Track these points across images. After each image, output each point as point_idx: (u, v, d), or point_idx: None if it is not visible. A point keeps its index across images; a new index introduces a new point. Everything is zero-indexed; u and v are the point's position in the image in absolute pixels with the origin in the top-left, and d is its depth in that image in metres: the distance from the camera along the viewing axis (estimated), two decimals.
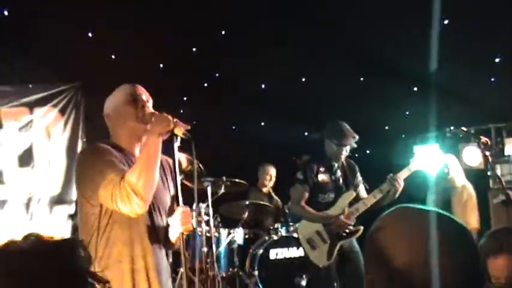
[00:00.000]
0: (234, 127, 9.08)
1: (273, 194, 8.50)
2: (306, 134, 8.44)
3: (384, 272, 1.32)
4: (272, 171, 8.45)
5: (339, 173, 5.90)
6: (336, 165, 5.89)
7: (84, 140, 7.95)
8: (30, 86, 7.55)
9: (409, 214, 1.41)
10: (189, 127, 3.19)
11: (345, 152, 5.78)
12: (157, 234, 3.22)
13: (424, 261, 1.28)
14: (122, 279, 3.01)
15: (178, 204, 3.27)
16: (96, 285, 1.25)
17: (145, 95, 3.31)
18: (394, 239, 1.35)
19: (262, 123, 8.96)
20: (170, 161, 3.37)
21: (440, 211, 1.39)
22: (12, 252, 1.21)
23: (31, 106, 7.57)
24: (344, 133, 5.72)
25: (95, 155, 3.14)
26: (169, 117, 3.14)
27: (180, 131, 3.17)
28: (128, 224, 3.08)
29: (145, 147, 3.11)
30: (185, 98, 8.50)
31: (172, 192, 3.40)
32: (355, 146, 5.80)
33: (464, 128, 5.55)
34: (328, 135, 5.83)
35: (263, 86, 8.59)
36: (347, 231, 5.70)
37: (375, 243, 1.38)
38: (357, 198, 5.84)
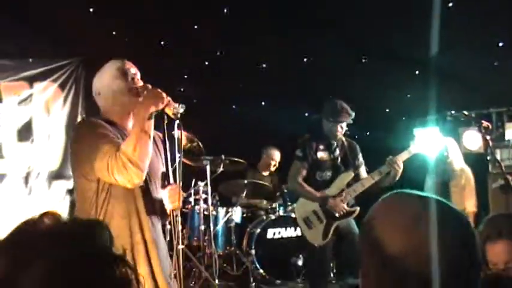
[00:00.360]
0: (234, 106, 9.04)
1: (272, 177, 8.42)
2: (306, 114, 8.40)
3: (377, 259, 1.31)
4: (277, 155, 8.29)
5: (338, 152, 5.91)
6: (335, 143, 5.90)
7: (84, 116, 7.93)
8: (31, 60, 7.52)
9: (402, 200, 1.39)
10: (181, 109, 3.15)
11: (340, 129, 5.78)
12: (154, 207, 3.24)
13: (418, 248, 1.25)
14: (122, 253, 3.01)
15: (169, 182, 3.28)
16: (124, 270, 1.16)
17: (133, 69, 3.30)
18: (386, 226, 1.33)
19: (263, 103, 8.92)
20: (161, 135, 3.37)
21: (436, 197, 1.36)
22: (31, 234, 1.11)
23: (31, 80, 7.54)
24: (338, 110, 5.72)
25: (89, 128, 3.14)
26: (163, 94, 3.13)
27: (170, 110, 3.13)
28: (125, 197, 3.10)
29: (137, 119, 3.09)
30: (185, 76, 8.46)
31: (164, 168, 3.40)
32: (351, 122, 5.80)
33: (465, 112, 5.54)
34: (324, 113, 5.86)
35: (264, 65, 8.54)
36: (342, 212, 5.71)
37: (368, 231, 1.36)
38: (357, 179, 5.84)
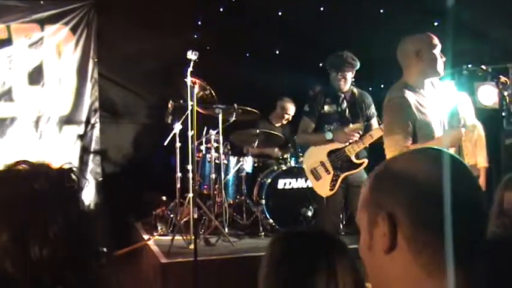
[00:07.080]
0: (247, 54, 8.90)
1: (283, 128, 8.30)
2: (320, 64, 8.28)
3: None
4: (291, 109, 7.99)
5: (345, 103, 5.89)
6: (343, 95, 5.88)
7: (96, 60, 7.84)
8: (42, 2, 7.41)
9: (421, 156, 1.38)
10: (194, 56, 3.25)
11: (344, 80, 5.76)
12: None
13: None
14: None
15: None
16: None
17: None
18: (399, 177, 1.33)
19: (277, 52, 8.79)
20: None
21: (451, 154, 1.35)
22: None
23: (42, 23, 7.45)
24: (341, 61, 5.73)
25: (395, 110, 4.07)
26: None
27: None
28: None
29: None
30: (199, 23, 8.32)
31: None
32: (352, 75, 5.83)
33: (483, 67, 5.44)
34: (329, 65, 5.84)
35: (280, 13, 8.38)
36: (350, 161, 5.70)
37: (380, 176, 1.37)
38: (367, 131, 5.81)
